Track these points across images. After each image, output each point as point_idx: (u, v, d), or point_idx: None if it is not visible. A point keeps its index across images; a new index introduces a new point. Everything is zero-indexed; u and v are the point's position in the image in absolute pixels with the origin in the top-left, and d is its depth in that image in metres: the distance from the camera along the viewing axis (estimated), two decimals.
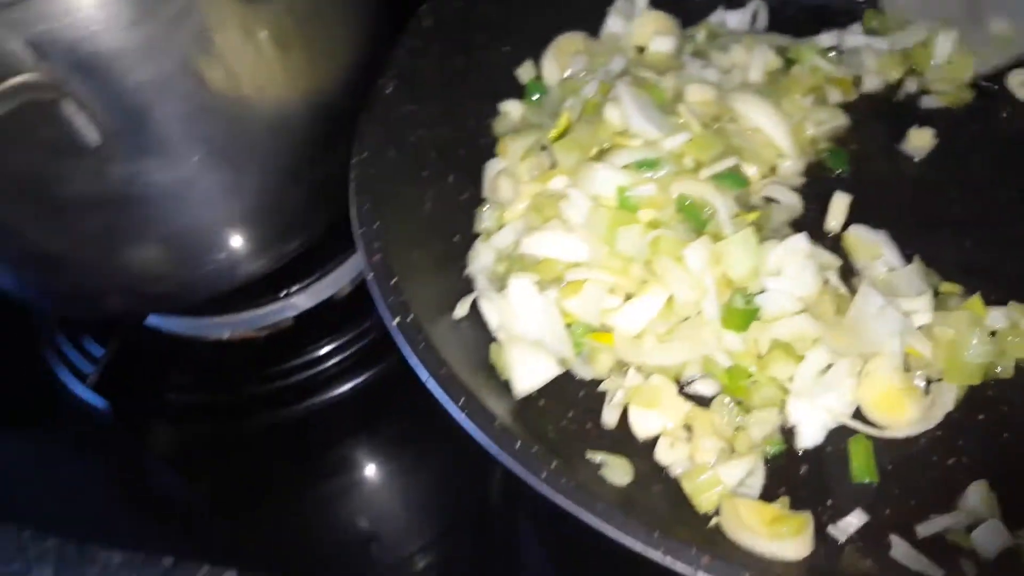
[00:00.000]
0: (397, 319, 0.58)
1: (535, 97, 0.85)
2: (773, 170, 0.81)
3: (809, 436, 0.67)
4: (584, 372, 0.70)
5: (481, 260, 0.75)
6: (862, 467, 0.65)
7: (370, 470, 0.84)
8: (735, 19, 0.92)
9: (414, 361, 0.57)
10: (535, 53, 0.87)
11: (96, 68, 0.58)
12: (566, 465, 0.54)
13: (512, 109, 0.85)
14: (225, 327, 0.89)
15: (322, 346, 0.89)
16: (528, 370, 0.67)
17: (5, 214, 0.66)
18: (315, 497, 0.81)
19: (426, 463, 0.83)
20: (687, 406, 0.68)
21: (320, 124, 0.74)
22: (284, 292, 0.88)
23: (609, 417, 0.68)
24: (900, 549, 0.59)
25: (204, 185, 0.68)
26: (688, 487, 0.63)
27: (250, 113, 0.69)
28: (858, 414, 0.67)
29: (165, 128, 0.64)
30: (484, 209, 0.78)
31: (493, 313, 0.71)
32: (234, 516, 0.82)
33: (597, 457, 0.62)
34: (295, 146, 0.73)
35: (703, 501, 0.62)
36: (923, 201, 0.78)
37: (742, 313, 0.68)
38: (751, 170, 0.78)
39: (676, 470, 0.65)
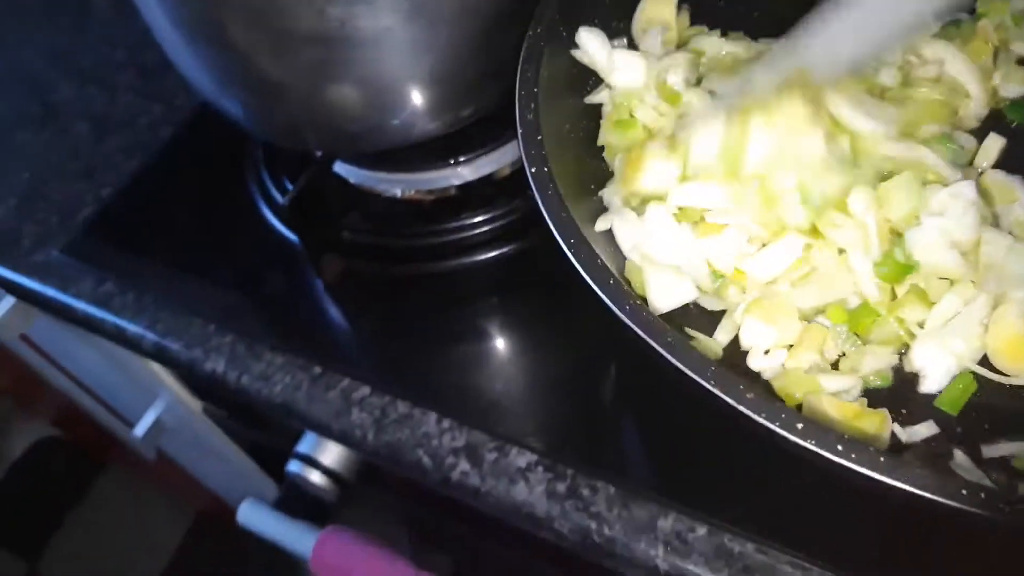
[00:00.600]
0: (534, 168, 0.66)
1: None
2: (955, 112, 0.81)
3: (934, 381, 0.67)
4: (712, 304, 0.74)
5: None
6: (953, 400, 0.67)
7: (499, 332, 0.93)
8: None
9: (552, 225, 0.63)
10: None
11: None
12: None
13: None
14: (398, 184, 1.00)
15: (478, 215, 0.98)
16: (666, 291, 0.70)
17: (239, 42, 0.78)
18: (447, 343, 0.91)
19: (551, 338, 0.91)
20: (801, 326, 0.70)
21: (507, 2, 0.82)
22: (452, 161, 0.98)
23: (722, 334, 0.71)
24: (960, 460, 0.62)
25: (402, 37, 0.77)
26: (778, 383, 0.67)
27: None
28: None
29: None
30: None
31: (627, 235, 0.74)
32: (375, 345, 0.94)
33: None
34: (483, 18, 0.81)
35: (792, 395, 0.66)
36: None
37: (901, 267, 0.69)
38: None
39: (767, 375, 0.69)
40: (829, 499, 0.70)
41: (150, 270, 1.00)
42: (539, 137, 0.68)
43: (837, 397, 0.66)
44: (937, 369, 0.68)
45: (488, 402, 0.86)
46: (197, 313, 0.96)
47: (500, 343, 0.92)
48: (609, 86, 0.83)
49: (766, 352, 0.70)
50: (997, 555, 0.61)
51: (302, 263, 1.00)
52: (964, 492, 0.49)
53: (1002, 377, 0.67)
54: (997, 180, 0.75)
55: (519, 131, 0.69)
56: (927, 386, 0.68)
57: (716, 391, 0.52)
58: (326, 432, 0.89)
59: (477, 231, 0.98)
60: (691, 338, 0.69)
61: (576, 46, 0.81)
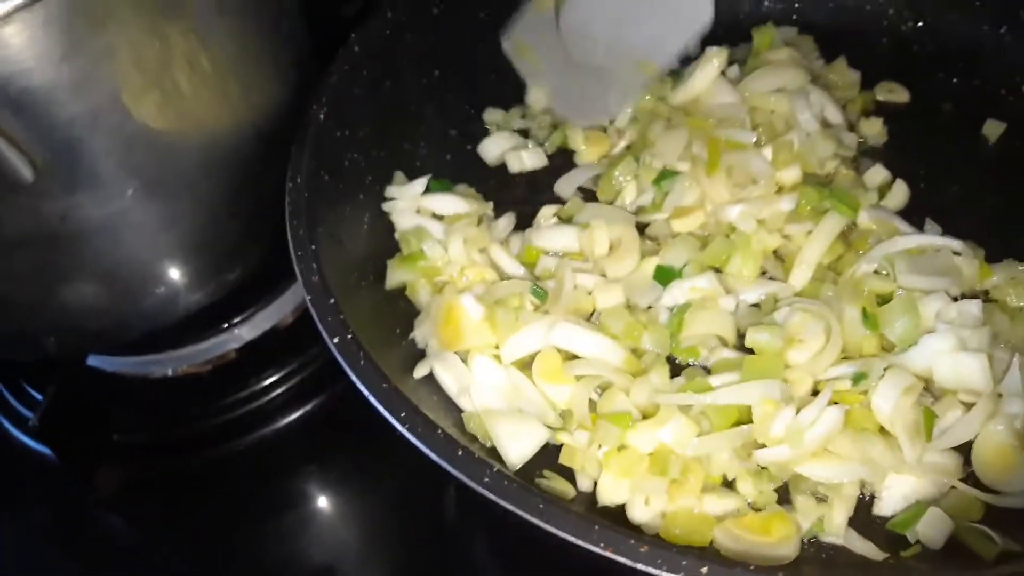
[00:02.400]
0: (336, 339, 0.59)
1: None
2: None
3: (890, 505, 0.64)
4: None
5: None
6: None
7: (323, 500, 0.84)
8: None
9: (356, 379, 0.57)
10: (462, 79, 0.90)
11: (27, 104, 0.58)
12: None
13: None
14: (168, 363, 0.88)
15: (267, 376, 0.89)
16: (517, 440, 0.65)
17: None
18: (268, 530, 0.81)
19: (380, 488, 0.83)
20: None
21: (253, 154, 0.74)
22: (226, 324, 0.88)
23: (584, 484, 0.66)
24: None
25: (138, 219, 0.69)
26: (674, 530, 0.61)
27: (182, 145, 0.69)
28: None
29: (98, 162, 0.64)
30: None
31: (452, 380, 0.69)
32: (186, 554, 0.81)
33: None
34: (229, 177, 0.73)
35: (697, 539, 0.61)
36: None
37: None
38: None
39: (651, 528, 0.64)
40: None
41: None
42: (331, 300, 0.61)
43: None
44: (898, 492, 0.64)
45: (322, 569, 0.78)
46: None
47: (324, 507, 0.83)
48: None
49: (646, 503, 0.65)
50: None
51: (67, 480, 0.85)
52: None
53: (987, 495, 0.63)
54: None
55: (307, 298, 0.62)
56: (882, 510, 0.64)
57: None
58: None
59: (271, 395, 0.88)
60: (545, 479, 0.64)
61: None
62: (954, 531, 0.60)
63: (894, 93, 0.93)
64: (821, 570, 0.60)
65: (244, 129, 0.74)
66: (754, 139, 0.84)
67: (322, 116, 0.74)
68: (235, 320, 0.88)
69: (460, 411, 0.69)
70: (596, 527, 0.48)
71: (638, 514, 0.63)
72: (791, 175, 0.82)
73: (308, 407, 0.88)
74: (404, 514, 0.80)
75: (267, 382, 0.89)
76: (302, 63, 0.81)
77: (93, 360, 0.87)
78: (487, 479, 0.52)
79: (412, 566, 0.77)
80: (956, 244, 0.74)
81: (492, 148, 0.91)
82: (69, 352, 0.82)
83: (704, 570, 0.46)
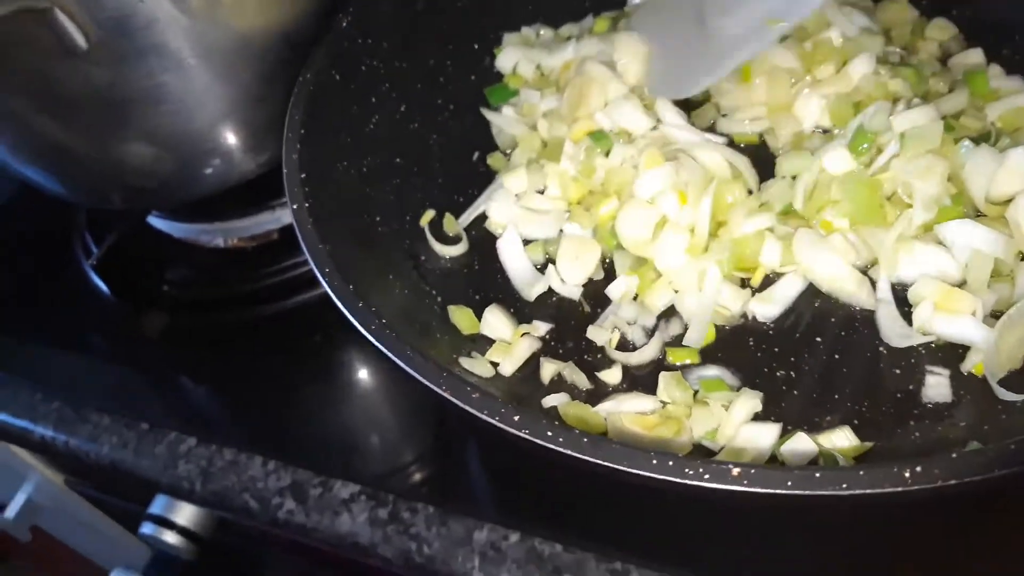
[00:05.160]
0: (296, 206, 0.69)
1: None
2: None
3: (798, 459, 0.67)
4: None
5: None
6: None
7: (324, 374, 0.93)
8: None
9: (301, 236, 0.67)
10: (498, 7, 0.97)
11: None
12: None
13: None
14: (218, 233, 1.02)
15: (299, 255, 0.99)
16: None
17: (15, 109, 0.79)
18: (273, 388, 0.91)
19: (375, 375, 0.92)
20: None
21: (284, 50, 0.84)
22: (272, 204, 1.00)
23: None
24: None
25: (181, 93, 0.80)
26: (570, 416, 0.69)
27: (223, 28, 0.79)
28: None
29: (144, 39, 0.76)
30: None
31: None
32: (201, 396, 0.94)
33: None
34: (262, 67, 0.84)
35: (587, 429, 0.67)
36: None
37: None
38: None
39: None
40: (637, 501, 0.72)
41: None
42: (302, 175, 0.70)
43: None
44: None
45: (316, 441, 0.87)
46: (24, 379, 0.95)
47: (326, 384, 0.92)
48: None
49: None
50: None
51: (124, 321, 1.00)
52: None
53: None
54: None
55: (284, 172, 0.72)
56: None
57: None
58: (156, 487, 0.88)
59: (298, 271, 0.99)
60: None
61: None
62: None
63: (944, 30, 0.92)
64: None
65: (275, 29, 0.84)
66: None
67: (345, 24, 0.83)
68: (279, 201, 1.00)
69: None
70: (444, 374, 0.56)
71: (548, 400, 0.70)
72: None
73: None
74: (392, 406, 0.89)
75: (298, 259, 0.99)
76: None
77: (155, 220, 1.02)
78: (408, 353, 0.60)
79: (391, 452, 0.85)
80: None
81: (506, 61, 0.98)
82: (130, 206, 0.96)
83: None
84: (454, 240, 0.87)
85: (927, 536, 0.66)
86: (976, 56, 0.89)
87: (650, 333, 0.76)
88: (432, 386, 0.55)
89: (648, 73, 0.91)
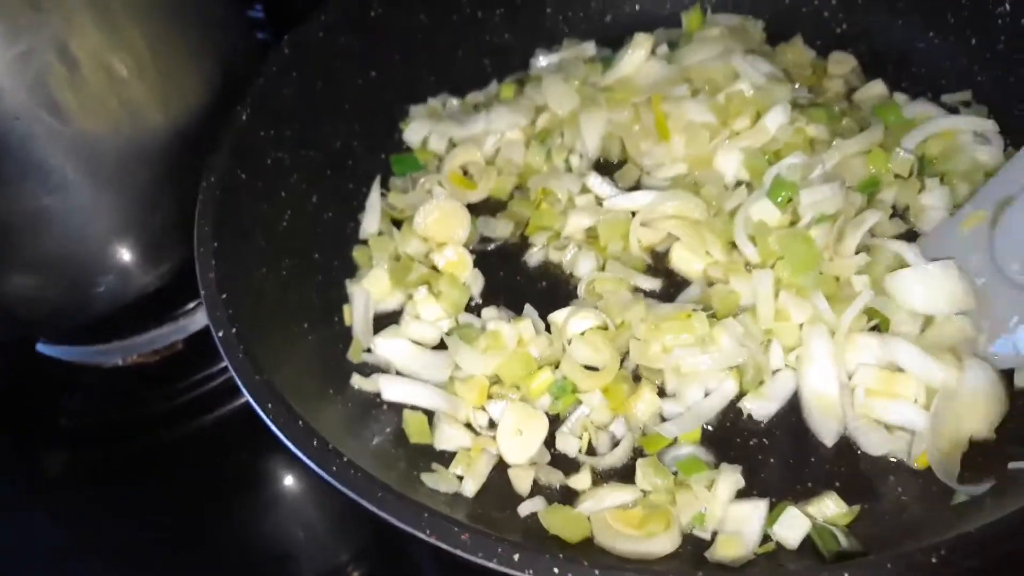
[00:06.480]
0: (221, 332, 0.62)
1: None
2: None
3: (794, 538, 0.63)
4: None
5: None
6: None
7: (273, 482, 0.86)
8: None
9: (233, 369, 0.60)
10: (400, 80, 0.93)
11: None
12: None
13: None
14: (116, 353, 0.92)
15: (220, 360, 0.92)
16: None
17: None
18: (216, 511, 0.84)
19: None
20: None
21: (180, 150, 0.77)
22: (174, 314, 0.91)
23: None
24: None
25: (68, 211, 0.72)
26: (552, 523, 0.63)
27: (110, 134, 0.73)
28: None
29: (21, 158, 0.68)
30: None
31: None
32: (126, 538, 0.84)
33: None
34: (156, 170, 0.76)
35: (571, 535, 0.63)
36: None
37: None
38: None
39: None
40: None
41: None
42: (223, 296, 0.64)
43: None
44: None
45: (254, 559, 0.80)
46: None
47: (273, 490, 0.86)
48: None
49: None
50: None
51: (20, 464, 0.89)
52: None
53: None
54: None
55: (201, 292, 0.65)
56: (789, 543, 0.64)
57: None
58: None
59: (211, 384, 0.91)
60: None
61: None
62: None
63: (843, 64, 0.93)
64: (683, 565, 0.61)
65: (170, 127, 0.77)
66: (687, 92, 0.88)
67: (244, 116, 0.77)
68: (182, 310, 0.92)
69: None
70: (426, 514, 0.50)
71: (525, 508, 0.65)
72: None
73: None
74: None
75: (213, 370, 0.92)
76: (234, 64, 0.83)
77: (42, 348, 0.91)
78: (334, 468, 0.54)
79: (370, 549, 0.79)
80: None
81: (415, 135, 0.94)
82: (14, 338, 0.86)
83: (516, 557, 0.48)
84: None
85: None
86: (878, 87, 0.90)
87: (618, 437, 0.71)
88: (417, 532, 0.49)
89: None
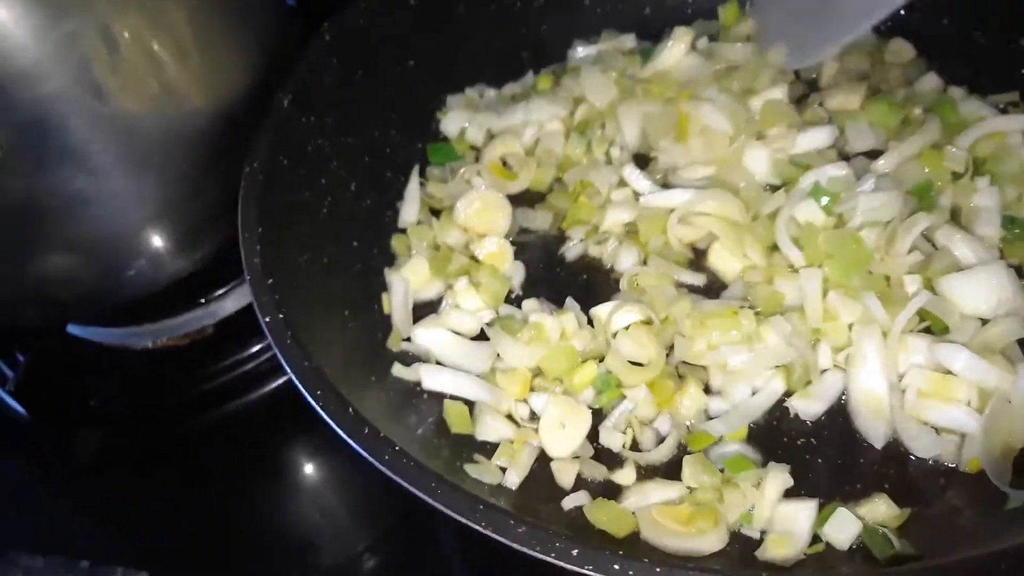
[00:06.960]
0: (268, 317, 0.61)
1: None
2: None
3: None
4: None
5: None
6: None
7: (298, 470, 0.86)
8: None
9: (281, 355, 0.59)
10: (438, 70, 0.92)
11: None
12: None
13: None
14: (147, 336, 0.91)
15: (250, 346, 0.91)
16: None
17: None
18: (244, 498, 0.84)
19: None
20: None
21: (220, 135, 0.77)
22: (204, 299, 0.91)
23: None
24: None
25: (105, 194, 0.71)
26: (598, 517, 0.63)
27: (144, 126, 0.72)
28: None
29: (61, 142, 0.67)
30: None
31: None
32: (150, 520, 0.83)
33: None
34: (196, 155, 0.76)
35: (618, 530, 0.62)
36: None
37: None
38: None
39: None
40: None
41: None
42: (269, 280, 0.63)
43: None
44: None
45: (278, 547, 0.79)
46: None
47: (299, 477, 0.85)
48: None
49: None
50: None
51: (51, 446, 0.88)
52: None
53: None
54: None
55: (247, 278, 0.64)
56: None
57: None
58: None
59: (253, 363, 0.90)
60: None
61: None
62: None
63: (901, 53, 0.92)
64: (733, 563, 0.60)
65: (212, 111, 0.76)
66: (716, 94, 0.86)
67: (286, 103, 0.76)
68: (213, 295, 0.91)
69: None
70: (481, 506, 0.49)
71: (569, 502, 0.65)
72: None
73: (283, 379, 0.90)
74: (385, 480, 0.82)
75: (249, 351, 0.91)
76: (274, 48, 0.82)
77: (75, 329, 0.91)
78: (387, 456, 0.53)
79: (394, 534, 0.79)
80: None
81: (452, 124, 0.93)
82: (47, 320, 0.85)
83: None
84: None
85: None
86: (933, 81, 0.88)
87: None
88: (471, 523, 0.49)
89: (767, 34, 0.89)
